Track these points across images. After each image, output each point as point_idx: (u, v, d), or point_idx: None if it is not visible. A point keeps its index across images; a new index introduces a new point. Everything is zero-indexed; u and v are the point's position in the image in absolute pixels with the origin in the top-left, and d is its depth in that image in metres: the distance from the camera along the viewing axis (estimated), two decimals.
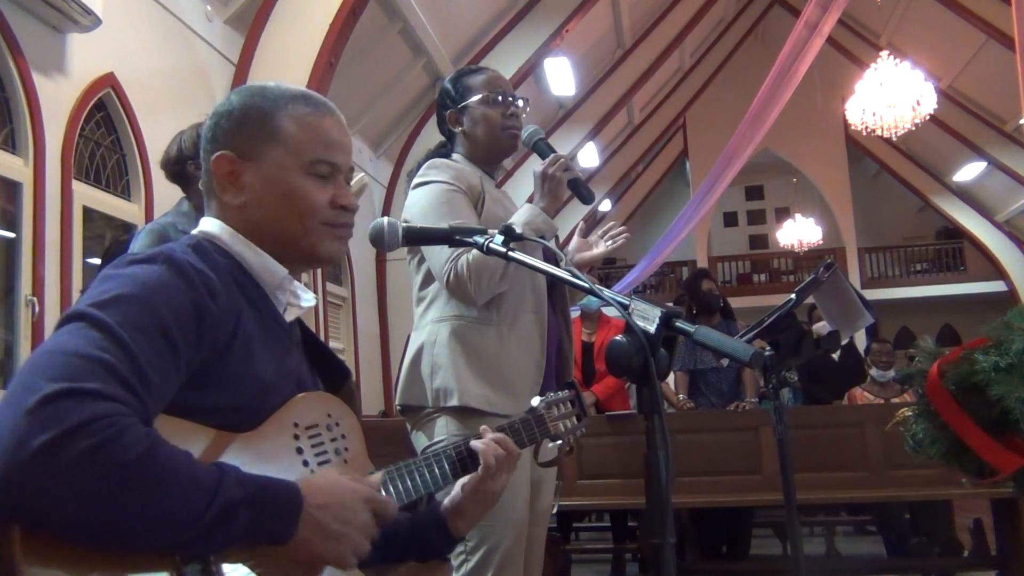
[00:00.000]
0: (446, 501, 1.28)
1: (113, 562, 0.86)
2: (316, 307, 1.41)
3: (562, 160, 1.96)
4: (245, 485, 0.92)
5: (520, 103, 2.09)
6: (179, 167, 2.36)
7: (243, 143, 1.14)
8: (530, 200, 2.01)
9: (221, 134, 1.15)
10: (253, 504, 0.91)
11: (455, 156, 2.09)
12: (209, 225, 1.17)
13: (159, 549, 0.87)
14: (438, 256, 1.88)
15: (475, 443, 1.26)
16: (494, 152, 2.09)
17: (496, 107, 2.05)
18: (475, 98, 2.05)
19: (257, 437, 1.04)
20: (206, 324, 1.00)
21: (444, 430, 1.88)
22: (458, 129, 2.08)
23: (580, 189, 1.98)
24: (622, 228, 2.19)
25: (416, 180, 2.00)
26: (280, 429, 1.07)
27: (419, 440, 1.95)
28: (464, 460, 1.25)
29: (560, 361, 2.05)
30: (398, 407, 2.00)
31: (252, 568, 0.95)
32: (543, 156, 2.00)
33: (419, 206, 1.94)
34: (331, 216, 1.16)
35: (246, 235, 1.15)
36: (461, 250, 1.82)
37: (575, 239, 2.22)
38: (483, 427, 1.31)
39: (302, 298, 1.20)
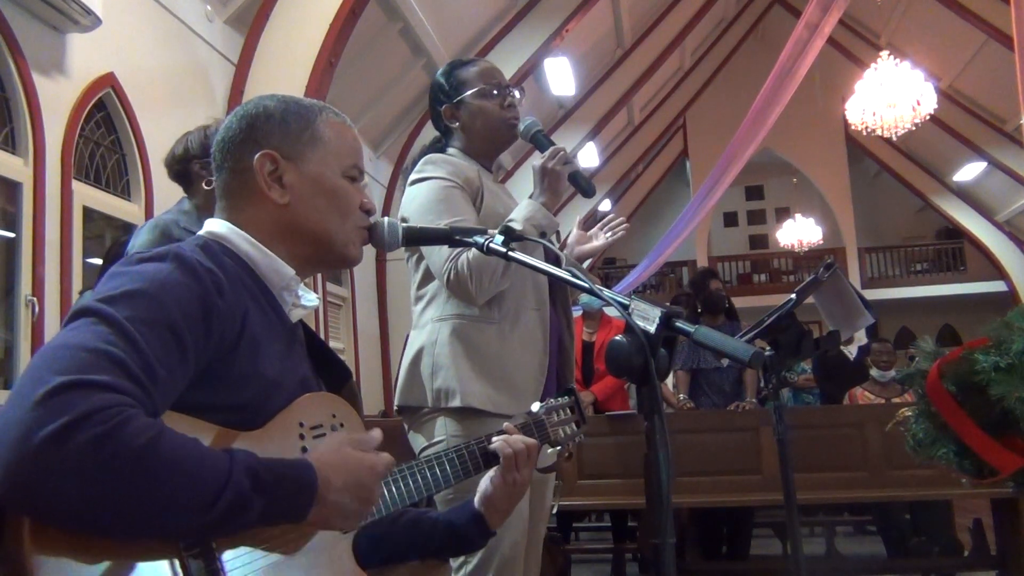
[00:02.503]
0: (477, 497, 1.36)
1: (120, 551, 0.86)
2: (316, 307, 1.42)
3: (561, 153, 1.92)
4: (258, 474, 0.92)
5: (516, 94, 2.05)
6: (183, 166, 2.42)
7: (286, 144, 1.18)
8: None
9: (261, 136, 1.18)
10: (266, 492, 0.92)
11: (451, 151, 2.04)
12: (216, 226, 1.18)
13: (168, 536, 0.89)
14: (438, 255, 1.85)
15: (496, 439, 1.35)
16: (493, 145, 2.05)
17: (493, 99, 2.00)
18: (471, 91, 2.00)
19: (262, 436, 1.05)
20: (214, 322, 1.01)
21: (443, 431, 1.85)
22: (455, 124, 2.03)
23: (580, 182, 1.95)
24: (621, 220, 2.17)
25: (413, 176, 1.96)
26: (285, 429, 1.08)
27: (416, 441, 1.92)
28: (476, 458, 1.33)
29: (561, 359, 2.02)
30: (397, 407, 1.97)
31: (253, 547, 0.97)
32: (541, 148, 1.96)
33: (417, 203, 1.90)
34: (360, 219, 1.24)
35: (281, 234, 1.18)
36: (461, 248, 1.77)
37: (574, 231, 2.20)
38: (506, 424, 1.39)
39: (305, 299, 1.21)
